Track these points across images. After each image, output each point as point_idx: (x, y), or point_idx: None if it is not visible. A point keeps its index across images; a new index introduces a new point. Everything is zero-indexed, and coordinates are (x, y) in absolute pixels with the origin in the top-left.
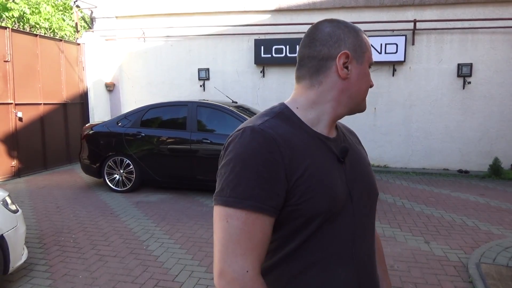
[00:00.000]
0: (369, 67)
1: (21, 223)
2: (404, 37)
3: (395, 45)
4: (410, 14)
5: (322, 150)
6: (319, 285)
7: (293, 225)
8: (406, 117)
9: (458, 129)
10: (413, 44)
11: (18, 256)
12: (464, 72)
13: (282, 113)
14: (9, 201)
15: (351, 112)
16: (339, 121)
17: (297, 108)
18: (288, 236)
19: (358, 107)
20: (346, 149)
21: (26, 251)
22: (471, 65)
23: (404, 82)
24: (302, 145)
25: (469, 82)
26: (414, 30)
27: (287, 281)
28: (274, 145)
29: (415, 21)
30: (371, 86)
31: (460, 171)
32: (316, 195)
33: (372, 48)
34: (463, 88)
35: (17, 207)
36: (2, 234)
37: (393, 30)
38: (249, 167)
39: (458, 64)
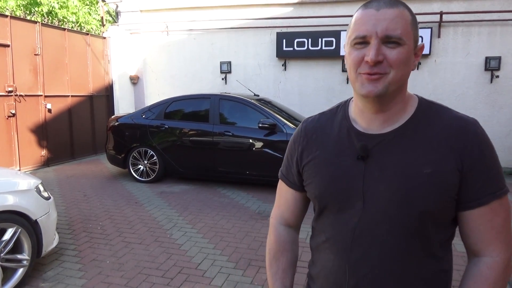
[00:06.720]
0: (354, 44)
1: (52, 210)
2: (429, 29)
3: (420, 38)
4: (437, 6)
5: (343, 144)
6: (317, 265)
7: (313, 204)
8: None
9: (484, 124)
10: (439, 36)
11: (50, 240)
12: (492, 65)
13: (339, 106)
14: (41, 188)
15: (359, 97)
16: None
17: (352, 99)
18: (315, 214)
19: (356, 90)
20: (364, 147)
21: (57, 236)
22: (499, 58)
23: (429, 75)
24: (324, 137)
25: (497, 76)
26: (440, 22)
27: (311, 251)
28: (298, 136)
29: (441, 13)
30: (361, 62)
31: None
32: (313, 181)
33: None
34: (491, 82)
35: (49, 194)
36: (36, 220)
37: (418, 23)
38: (286, 150)
39: (486, 57)
